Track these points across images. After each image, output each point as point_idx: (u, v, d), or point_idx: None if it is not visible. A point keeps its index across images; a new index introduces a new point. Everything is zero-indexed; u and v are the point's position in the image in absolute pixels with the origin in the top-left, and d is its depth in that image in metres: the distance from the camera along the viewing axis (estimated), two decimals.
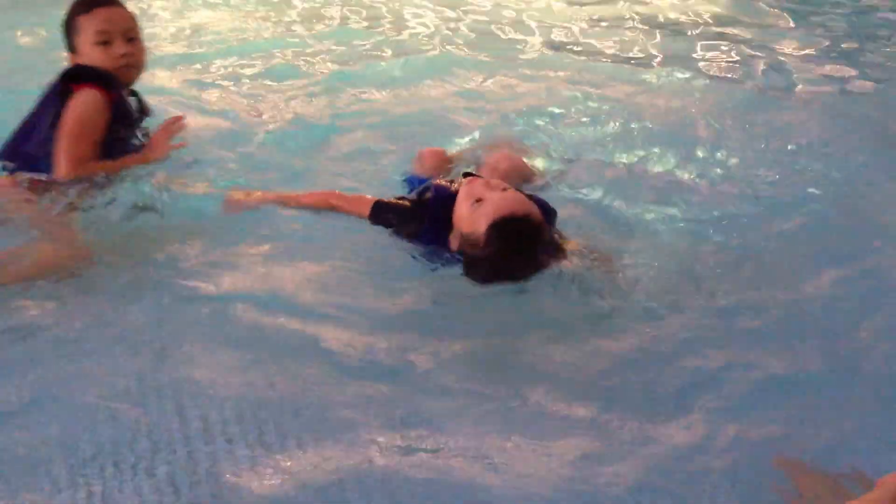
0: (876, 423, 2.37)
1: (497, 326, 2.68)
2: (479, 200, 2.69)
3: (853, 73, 5.28)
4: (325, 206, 3.11)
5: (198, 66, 4.99)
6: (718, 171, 3.77)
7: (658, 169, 3.75)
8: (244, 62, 5.06)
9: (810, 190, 3.60)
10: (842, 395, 2.48)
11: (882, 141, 4.23)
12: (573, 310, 2.73)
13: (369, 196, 3.07)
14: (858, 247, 3.21)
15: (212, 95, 4.50)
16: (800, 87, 5.08)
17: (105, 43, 3.21)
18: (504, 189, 2.74)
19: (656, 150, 3.88)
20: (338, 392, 2.37)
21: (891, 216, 3.45)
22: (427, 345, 2.56)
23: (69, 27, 3.27)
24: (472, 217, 2.68)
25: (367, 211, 3.00)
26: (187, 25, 5.90)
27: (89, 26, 3.21)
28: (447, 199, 2.81)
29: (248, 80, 4.76)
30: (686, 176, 3.70)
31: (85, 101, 3.12)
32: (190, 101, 4.30)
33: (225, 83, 4.71)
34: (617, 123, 4.21)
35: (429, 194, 2.96)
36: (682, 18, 6.56)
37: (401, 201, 3.04)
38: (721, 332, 2.72)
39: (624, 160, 3.81)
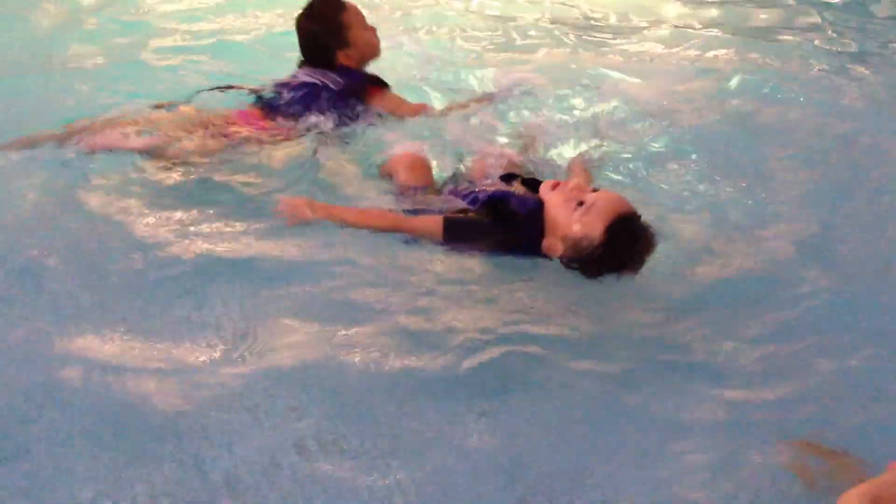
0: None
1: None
2: (581, 204, 2.82)
3: None
4: (390, 228, 3.03)
5: None
6: None
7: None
8: None
9: None
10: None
11: None
12: None
13: (429, 216, 3.02)
14: None
15: None
16: None
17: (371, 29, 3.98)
18: (594, 189, 2.90)
19: None
20: None
21: None
22: None
23: (336, 25, 3.90)
24: (582, 221, 2.79)
25: (438, 230, 2.94)
26: None
27: (356, 18, 3.94)
28: (538, 208, 2.91)
29: None
30: None
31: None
32: None
33: None
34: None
35: (513, 206, 2.95)
36: None
37: (470, 216, 2.99)
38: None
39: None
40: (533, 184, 3.10)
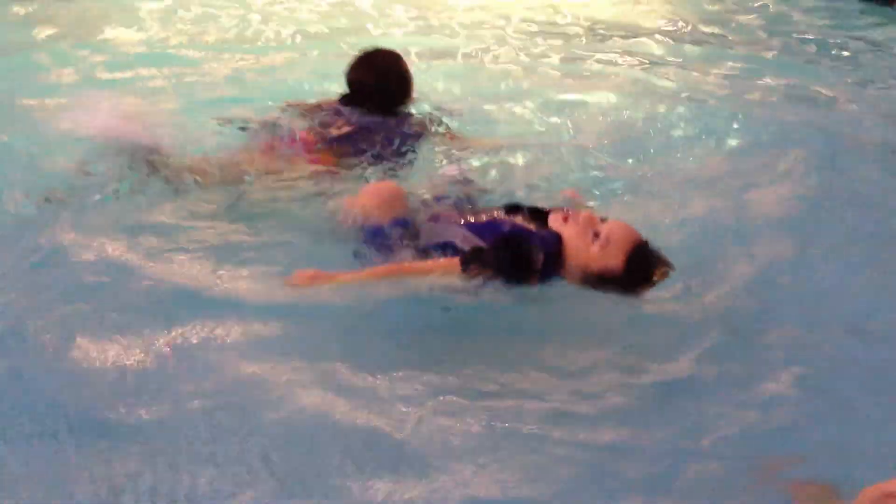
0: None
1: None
2: (597, 235, 2.91)
3: None
4: (404, 275, 2.97)
5: None
6: None
7: None
8: None
9: None
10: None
11: None
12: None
13: (444, 260, 2.97)
14: None
15: None
16: None
17: None
18: (602, 219, 2.98)
19: None
20: None
21: None
22: None
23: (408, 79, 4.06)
24: (601, 253, 2.89)
25: (455, 265, 2.90)
26: None
27: None
28: (557, 242, 2.96)
29: None
30: None
31: None
32: None
33: None
34: None
35: (535, 246, 2.93)
36: None
37: (489, 255, 2.93)
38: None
39: None
40: (538, 214, 3.15)
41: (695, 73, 5.75)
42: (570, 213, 3.05)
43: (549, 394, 2.69)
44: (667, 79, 5.60)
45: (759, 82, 5.63)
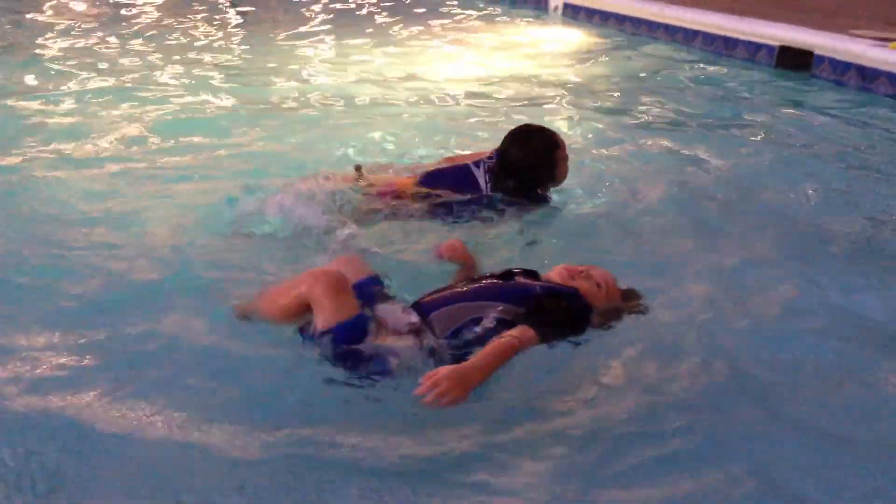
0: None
1: None
2: (599, 285, 3.22)
3: None
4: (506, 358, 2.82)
5: None
6: None
7: None
8: None
9: None
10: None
11: None
12: None
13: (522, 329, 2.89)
14: None
15: None
16: None
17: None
18: (585, 268, 3.30)
19: None
20: None
21: None
22: None
23: (551, 164, 4.21)
24: (606, 296, 3.22)
25: (533, 335, 2.87)
26: None
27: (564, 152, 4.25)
28: (577, 292, 3.19)
29: None
30: None
31: None
32: None
33: None
34: None
35: (565, 301, 3.08)
36: None
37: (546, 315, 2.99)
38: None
39: None
40: (532, 274, 3.31)
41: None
42: (569, 268, 3.26)
43: None
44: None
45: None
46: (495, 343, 2.78)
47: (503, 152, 4.17)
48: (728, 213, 4.58)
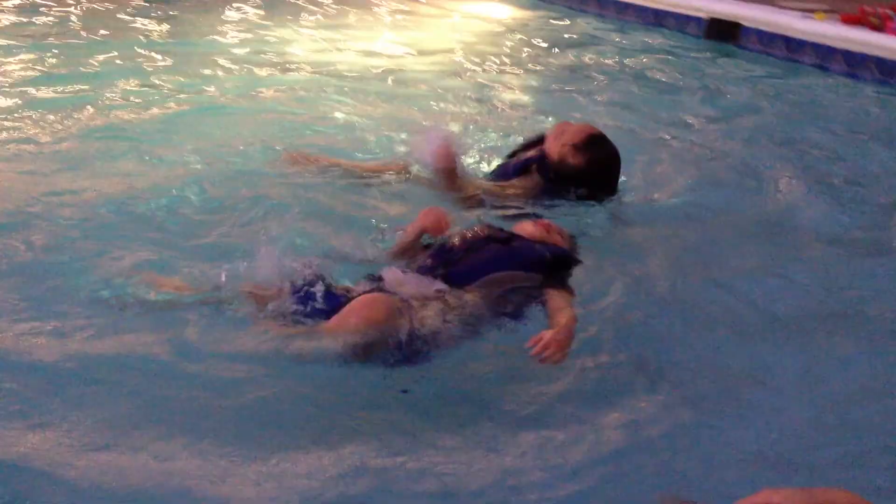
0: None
1: None
2: (563, 238, 3.36)
3: None
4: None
5: None
6: None
7: None
8: None
9: None
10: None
11: None
12: None
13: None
14: None
15: None
16: None
17: None
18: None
19: None
20: None
21: None
22: None
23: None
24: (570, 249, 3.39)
25: (568, 295, 3.11)
26: None
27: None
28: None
29: None
30: None
31: None
32: None
33: None
34: None
35: (570, 262, 3.28)
36: None
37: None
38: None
39: None
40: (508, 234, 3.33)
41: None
42: (545, 224, 3.39)
43: None
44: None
45: None
46: (571, 313, 2.93)
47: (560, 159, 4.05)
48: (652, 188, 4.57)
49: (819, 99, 6.63)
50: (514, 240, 3.24)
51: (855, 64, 7.22)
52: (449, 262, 3.11)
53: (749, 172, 4.87)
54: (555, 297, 3.04)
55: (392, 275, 3.02)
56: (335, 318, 2.78)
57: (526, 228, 3.36)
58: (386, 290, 2.92)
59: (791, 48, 7.69)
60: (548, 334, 2.76)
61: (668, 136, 5.41)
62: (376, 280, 3.04)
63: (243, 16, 8.49)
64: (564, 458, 2.53)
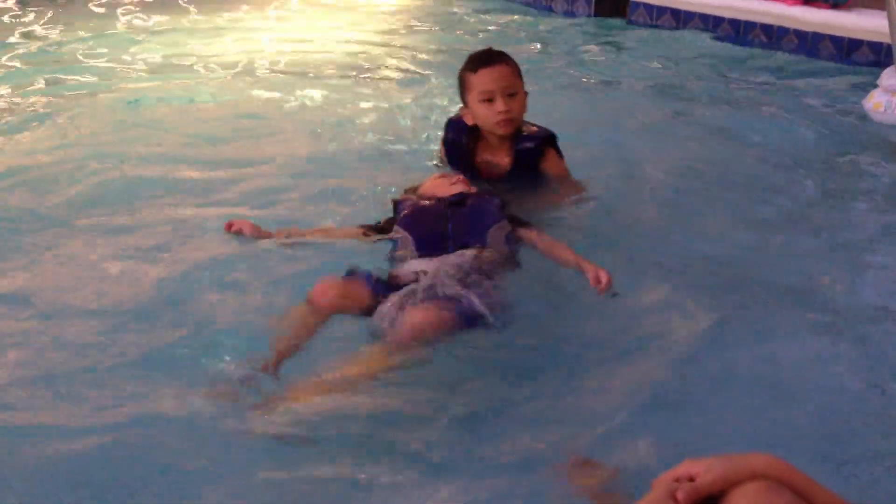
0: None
1: None
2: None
3: None
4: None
5: None
6: None
7: None
8: None
9: None
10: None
11: None
12: None
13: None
14: None
15: None
16: None
17: (488, 101, 3.53)
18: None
19: None
20: None
21: None
22: None
23: (461, 82, 3.66)
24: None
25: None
26: None
27: (475, 86, 3.55)
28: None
29: None
30: None
31: None
32: None
33: None
34: None
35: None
36: None
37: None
38: None
39: None
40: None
41: None
42: (448, 176, 3.40)
43: None
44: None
45: None
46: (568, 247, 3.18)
47: None
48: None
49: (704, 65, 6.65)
50: (468, 198, 3.21)
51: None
52: (445, 237, 3.07)
53: (638, 140, 4.82)
54: (533, 236, 3.20)
55: (421, 266, 2.93)
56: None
57: (440, 187, 3.30)
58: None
59: (679, 19, 7.74)
60: (601, 273, 2.99)
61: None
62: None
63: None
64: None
